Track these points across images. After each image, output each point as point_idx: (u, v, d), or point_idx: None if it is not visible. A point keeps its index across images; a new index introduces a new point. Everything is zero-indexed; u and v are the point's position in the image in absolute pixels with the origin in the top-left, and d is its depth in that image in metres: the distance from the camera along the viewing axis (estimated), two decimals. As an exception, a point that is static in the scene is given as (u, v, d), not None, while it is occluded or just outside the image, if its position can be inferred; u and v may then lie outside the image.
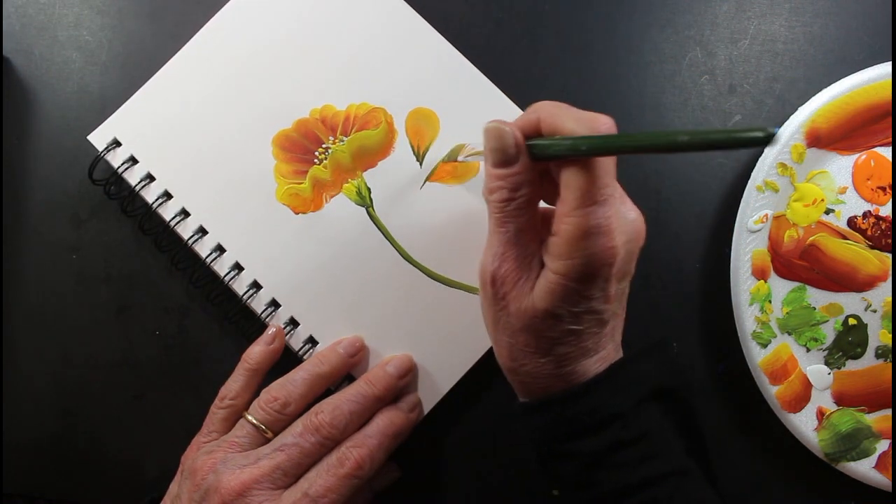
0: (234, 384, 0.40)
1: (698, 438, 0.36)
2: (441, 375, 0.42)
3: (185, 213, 0.43)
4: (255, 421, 0.38)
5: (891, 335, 0.41)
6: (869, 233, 0.42)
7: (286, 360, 0.42)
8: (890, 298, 0.41)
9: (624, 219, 0.32)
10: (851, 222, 0.42)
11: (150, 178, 0.43)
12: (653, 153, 0.28)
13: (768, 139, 0.23)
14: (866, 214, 0.42)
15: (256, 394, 0.40)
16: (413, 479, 0.44)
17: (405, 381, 0.41)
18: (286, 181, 0.43)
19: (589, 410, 0.33)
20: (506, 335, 0.34)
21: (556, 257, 0.31)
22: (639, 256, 0.34)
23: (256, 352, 0.41)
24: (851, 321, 0.42)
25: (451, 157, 0.42)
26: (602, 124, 0.30)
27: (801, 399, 0.42)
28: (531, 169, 0.32)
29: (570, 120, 0.30)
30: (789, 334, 0.42)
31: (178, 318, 0.45)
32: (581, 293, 0.31)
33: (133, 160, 0.43)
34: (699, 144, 0.25)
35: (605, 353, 0.34)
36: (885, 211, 0.41)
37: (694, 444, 0.36)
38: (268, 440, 0.38)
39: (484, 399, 0.44)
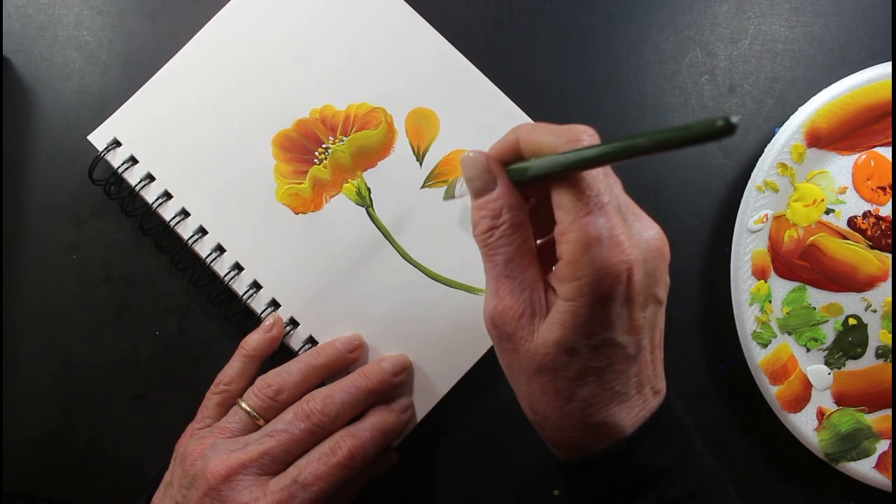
0: (230, 370, 0.40)
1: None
2: (439, 377, 0.42)
3: (185, 213, 0.43)
4: (247, 407, 0.38)
5: (891, 335, 0.41)
6: (869, 233, 0.42)
7: (286, 360, 0.42)
8: (890, 298, 0.41)
9: (636, 233, 0.29)
10: (851, 222, 0.42)
11: (150, 178, 0.43)
12: (622, 160, 0.26)
13: (727, 129, 0.21)
14: (866, 214, 0.42)
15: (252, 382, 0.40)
16: (412, 478, 0.44)
17: (400, 378, 0.41)
18: (286, 181, 0.43)
19: (629, 470, 0.29)
20: (522, 383, 0.31)
21: (563, 281, 0.28)
22: (668, 282, 0.31)
23: (254, 339, 0.41)
24: (851, 321, 0.42)
25: (450, 195, 0.39)
26: (582, 132, 0.28)
27: (801, 399, 0.42)
28: (512, 193, 0.30)
29: (548, 134, 0.29)
30: (789, 334, 0.42)
31: (178, 318, 0.45)
32: (597, 320, 0.28)
33: (133, 160, 0.43)
34: (659, 146, 0.24)
35: (640, 399, 0.30)
36: (885, 211, 0.41)
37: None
38: (259, 428, 0.38)
39: (484, 399, 0.44)
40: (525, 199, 0.31)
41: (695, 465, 0.30)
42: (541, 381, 0.30)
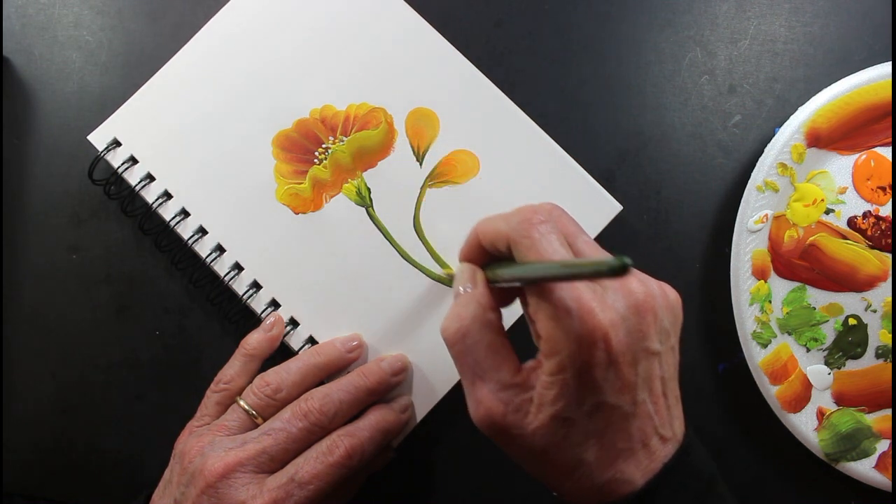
0: (229, 369, 0.40)
1: None
2: (439, 377, 0.42)
3: (185, 213, 0.43)
4: (245, 406, 0.38)
5: (891, 335, 0.41)
6: (869, 233, 0.42)
7: (286, 359, 0.42)
8: (890, 298, 0.41)
9: (612, 295, 0.29)
10: (851, 222, 0.42)
11: (149, 178, 0.43)
12: (540, 282, 0.29)
13: (621, 269, 0.23)
14: (866, 214, 0.42)
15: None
16: (411, 478, 0.44)
17: (398, 378, 0.41)
18: (286, 181, 0.43)
19: None
20: (528, 463, 0.31)
21: (545, 358, 0.29)
22: (665, 329, 0.30)
23: (255, 338, 0.41)
24: (851, 321, 0.42)
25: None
26: (531, 212, 0.29)
27: (801, 399, 0.42)
28: (484, 294, 0.31)
29: (500, 221, 0.30)
30: (789, 334, 0.42)
31: (178, 318, 0.45)
32: (584, 387, 0.28)
33: (133, 160, 0.43)
34: (568, 276, 0.27)
35: (646, 452, 0.30)
36: (885, 211, 0.41)
37: None
38: (258, 426, 0.38)
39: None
40: (497, 299, 0.32)
41: None
42: (546, 459, 0.30)
